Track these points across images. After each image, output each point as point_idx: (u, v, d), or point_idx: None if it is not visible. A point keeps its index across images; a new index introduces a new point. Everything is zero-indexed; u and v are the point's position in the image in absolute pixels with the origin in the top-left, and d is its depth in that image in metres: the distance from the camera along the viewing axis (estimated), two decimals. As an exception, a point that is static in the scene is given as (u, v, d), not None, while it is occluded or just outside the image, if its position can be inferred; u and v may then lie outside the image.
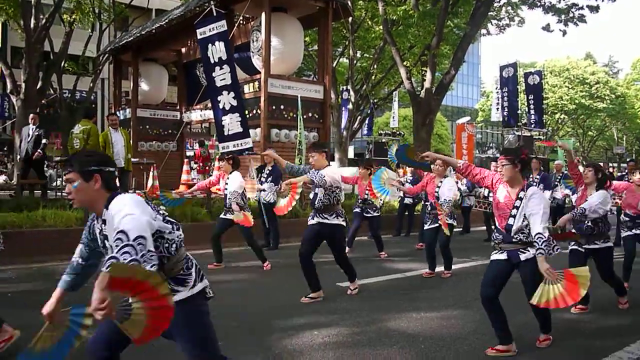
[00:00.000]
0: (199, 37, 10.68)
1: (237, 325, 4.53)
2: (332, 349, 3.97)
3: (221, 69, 10.30)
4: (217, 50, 10.36)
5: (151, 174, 13.12)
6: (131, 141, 11.40)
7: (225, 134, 10.50)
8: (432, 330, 4.55)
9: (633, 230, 5.88)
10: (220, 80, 10.39)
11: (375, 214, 8.48)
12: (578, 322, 4.96)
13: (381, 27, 19.77)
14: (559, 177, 11.01)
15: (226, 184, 6.89)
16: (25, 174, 10.52)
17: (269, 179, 8.75)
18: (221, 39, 10.36)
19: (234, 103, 10.40)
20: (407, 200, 11.06)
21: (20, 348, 3.87)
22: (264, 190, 8.62)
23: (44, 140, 10.17)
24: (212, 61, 10.39)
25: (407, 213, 11.36)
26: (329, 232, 5.40)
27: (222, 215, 7.05)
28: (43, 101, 18.41)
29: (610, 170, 25.14)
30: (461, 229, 11.34)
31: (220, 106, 10.47)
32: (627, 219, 5.95)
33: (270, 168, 8.85)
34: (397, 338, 4.29)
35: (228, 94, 10.36)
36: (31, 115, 10.57)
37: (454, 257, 7.25)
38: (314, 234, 5.42)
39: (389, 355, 3.92)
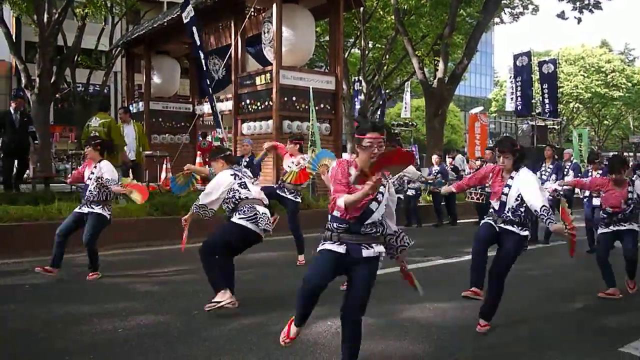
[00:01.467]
0: (184, 20, 10.66)
1: (251, 316, 4.56)
2: (346, 340, 3.97)
3: (201, 54, 10.42)
4: (197, 35, 10.39)
5: (164, 166, 13.21)
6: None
7: (219, 119, 10.80)
8: (445, 320, 4.54)
9: (610, 227, 5.54)
10: (204, 65, 10.51)
11: (292, 197, 6.89)
12: (595, 313, 4.92)
13: (393, 16, 19.64)
14: (568, 167, 10.35)
15: (92, 173, 5.89)
16: (10, 166, 9.46)
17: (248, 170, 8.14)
18: (194, 24, 10.40)
19: (207, 89, 10.54)
20: (410, 192, 11.09)
21: (29, 343, 3.93)
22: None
23: (32, 128, 9.38)
24: (198, 44, 10.50)
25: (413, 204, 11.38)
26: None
27: (77, 209, 5.97)
28: (57, 95, 18.56)
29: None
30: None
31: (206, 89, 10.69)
32: (603, 215, 5.64)
33: (247, 159, 8.18)
34: (410, 328, 4.29)
35: (204, 80, 10.49)
36: (14, 103, 9.33)
37: (464, 249, 7.20)
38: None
39: (402, 345, 3.92)
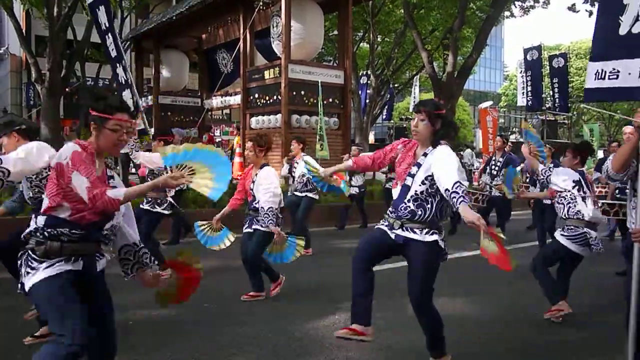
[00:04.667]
0: (88, 0, 9.44)
1: (259, 307, 4.57)
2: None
3: (108, 38, 9.02)
4: (103, 16, 9.03)
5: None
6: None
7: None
8: (453, 315, 4.52)
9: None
10: (112, 50, 9.07)
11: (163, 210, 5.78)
12: (603, 309, 4.89)
13: (402, 10, 19.53)
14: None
15: None
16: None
17: None
18: (102, 2, 9.06)
19: (126, 77, 9.07)
20: (353, 190, 9.35)
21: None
22: None
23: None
24: (103, 28, 9.10)
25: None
26: None
27: None
28: (67, 89, 18.64)
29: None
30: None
31: (119, 79, 9.18)
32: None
33: None
34: (418, 324, 4.28)
35: (120, 66, 9.06)
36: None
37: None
38: None
39: (411, 340, 3.92)
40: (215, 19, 14.51)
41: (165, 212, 5.72)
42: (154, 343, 3.72)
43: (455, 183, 2.74)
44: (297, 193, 7.28)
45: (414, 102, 29.94)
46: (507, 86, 55.82)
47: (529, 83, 22.20)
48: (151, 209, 5.63)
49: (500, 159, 8.09)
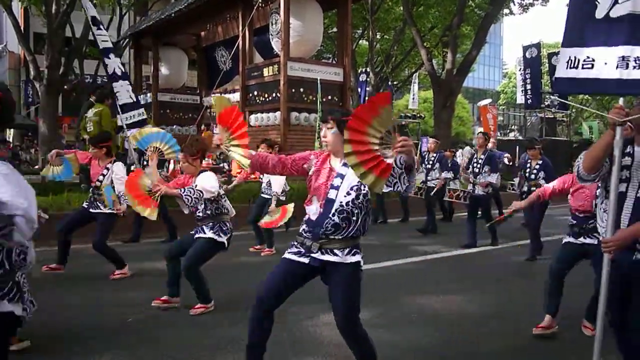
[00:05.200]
0: None
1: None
2: (354, 332, 3.97)
3: (99, 28, 8.95)
4: (91, 7, 9.16)
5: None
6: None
7: (119, 103, 8.94)
8: (450, 315, 4.53)
9: (580, 239, 4.23)
10: (103, 41, 8.95)
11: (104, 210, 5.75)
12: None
13: (401, 7, 19.51)
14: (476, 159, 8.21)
15: None
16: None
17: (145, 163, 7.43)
18: None
19: (123, 69, 9.07)
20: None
21: (40, 331, 3.95)
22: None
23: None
24: (90, 17, 9.07)
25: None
26: None
27: None
28: (65, 86, 18.61)
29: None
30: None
31: (110, 71, 8.96)
32: (573, 221, 4.33)
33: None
34: (417, 320, 4.29)
35: (115, 57, 9.04)
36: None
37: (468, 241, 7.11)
38: None
39: (409, 340, 3.92)
40: (214, 16, 14.48)
41: None
42: (153, 343, 3.71)
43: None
44: (263, 195, 7.09)
45: (413, 99, 29.97)
46: (506, 84, 55.80)
47: (528, 81, 22.14)
48: None
49: (482, 157, 7.95)
